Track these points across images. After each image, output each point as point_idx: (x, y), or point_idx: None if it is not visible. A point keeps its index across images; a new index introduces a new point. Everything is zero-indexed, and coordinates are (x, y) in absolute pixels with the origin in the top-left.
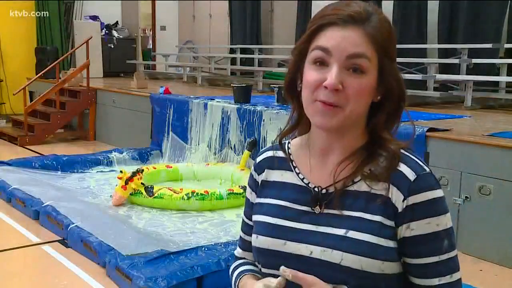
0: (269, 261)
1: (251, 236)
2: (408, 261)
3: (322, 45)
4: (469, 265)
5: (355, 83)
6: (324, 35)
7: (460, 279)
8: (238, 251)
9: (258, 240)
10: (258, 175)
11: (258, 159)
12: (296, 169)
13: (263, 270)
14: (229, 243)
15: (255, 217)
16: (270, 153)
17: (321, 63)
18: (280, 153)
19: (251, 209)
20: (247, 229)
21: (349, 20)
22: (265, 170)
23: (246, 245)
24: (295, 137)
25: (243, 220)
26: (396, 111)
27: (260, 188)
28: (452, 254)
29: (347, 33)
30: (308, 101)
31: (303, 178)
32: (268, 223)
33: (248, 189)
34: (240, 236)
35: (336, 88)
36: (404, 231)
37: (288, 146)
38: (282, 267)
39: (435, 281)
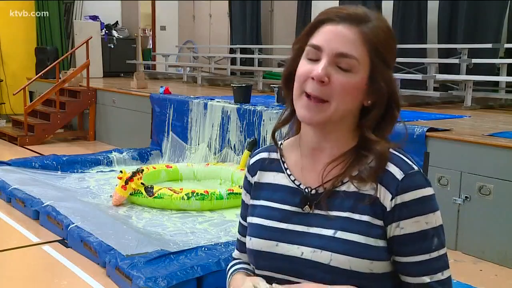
0: (262, 262)
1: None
2: (399, 260)
3: (315, 43)
4: (469, 265)
5: (341, 78)
6: (320, 31)
7: (450, 277)
8: (235, 253)
9: (251, 242)
10: (252, 176)
11: (251, 160)
12: (288, 170)
13: (257, 271)
14: (229, 243)
15: (249, 219)
16: (263, 155)
17: (314, 59)
18: (274, 155)
19: (246, 210)
20: (243, 230)
21: (346, 18)
22: (258, 171)
23: (242, 247)
24: (287, 138)
25: (239, 222)
26: (387, 117)
27: (253, 189)
28: (442, 251)
29: (340, 29)
30: (296, 94)
31: (294, 180)
32: (260, 225)
33: (243, 191)
34: (237, 238)
35: (321, 80)
36: (394, 230)
37: (280, 148)
38: (275, 285)
39: (427, 279)
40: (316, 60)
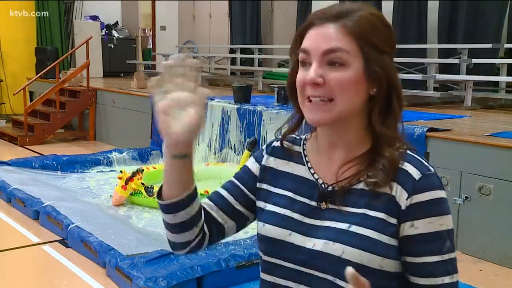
0: (272, 249)
1: (231, 195)
2: (410, 260)
3: (303, 47)
4: (469, 265)
5: (336, 75)
6: (306, 38)
7: (458, 281)
8: (204, 199)
9: (265, 228)
10: (268, 156)
11: (275, 143)
12: (309, 163)
13: (265, 258)
14: (229, 243)
15: (261, 204)
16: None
17: (307, 64)
18: (297, 148)
19: (249, 177)
20: (229, 187)
21: (326, 18)
22: (276, 158)
23: (216, 198)
24: (310, 137)
25: (230, 180)
26: (389, 102)
27: (267, 173)
28: (452, 255)
29: (322, 30)
30: (301, 101)
31: (314, 173)
32: (277, 213)
33: (252, 159)
34: (216, 190)
35: (316, 82)
36: (408, 229)
37: (303, 142)
38: None
39: (439, 281)
40: (308, 64)
